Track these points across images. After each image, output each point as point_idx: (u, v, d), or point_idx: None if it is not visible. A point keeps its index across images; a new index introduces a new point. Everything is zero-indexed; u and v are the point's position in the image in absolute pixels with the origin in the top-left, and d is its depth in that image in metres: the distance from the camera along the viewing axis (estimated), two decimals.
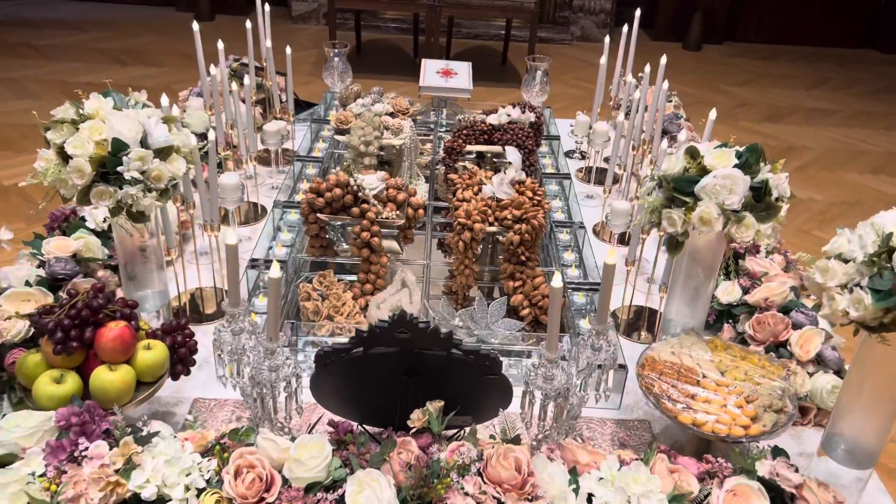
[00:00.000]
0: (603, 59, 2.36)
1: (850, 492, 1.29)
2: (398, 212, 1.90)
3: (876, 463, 1.27)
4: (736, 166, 1.36)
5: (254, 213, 2.27)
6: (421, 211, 1.95)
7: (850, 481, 1.29)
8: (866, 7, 4.63)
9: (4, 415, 1.22)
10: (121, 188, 1.32)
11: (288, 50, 2.46)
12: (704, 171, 1.38)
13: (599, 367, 1.39)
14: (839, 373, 1.61)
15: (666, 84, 2.08)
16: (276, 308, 1.23)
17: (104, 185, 1.33)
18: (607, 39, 2.37)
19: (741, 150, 1.39)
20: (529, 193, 1.92)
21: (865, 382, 1.19)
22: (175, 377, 1.40)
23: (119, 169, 1.32)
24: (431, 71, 2.87)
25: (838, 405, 1.25)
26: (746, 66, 4.33)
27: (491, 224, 1.83)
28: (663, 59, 2.05)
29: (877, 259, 1.04)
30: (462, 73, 2.87)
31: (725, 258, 1.77)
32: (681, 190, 1.38)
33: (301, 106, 2.89)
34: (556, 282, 1.22)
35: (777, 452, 1.30)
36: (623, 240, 2.15)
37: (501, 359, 1.24)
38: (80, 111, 1.37)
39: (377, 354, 1.22)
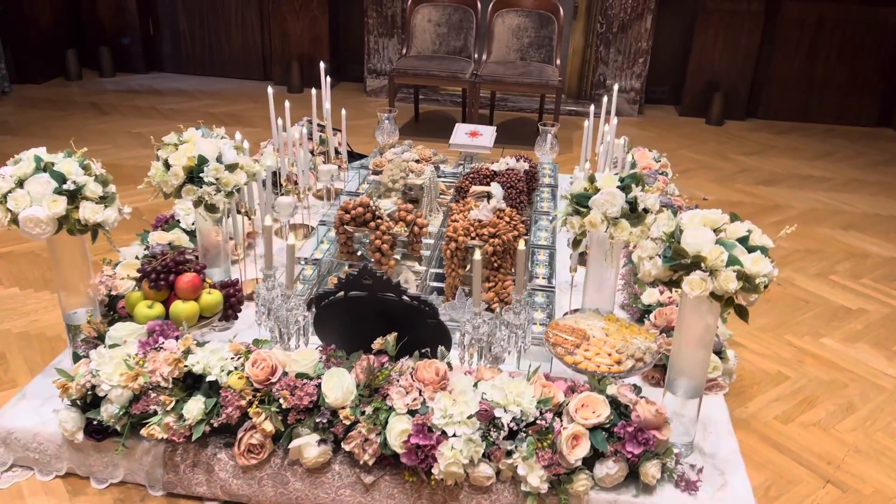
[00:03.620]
0: (587, 123, 2.95)
1: (691, 419, 1.78)
2: (405, 228, 2.52)
3: (701, 396, 1.77)
4: (619, 187, 1.93)
5: (307, 233, 2.94)
6: (425, 229, 2.56)
7: (692, 412, 1.78)
8: (882, 87, 5.04)
9: None
10: (201, 188, 2.01)
11: (343, 112, 3.18)
12: (598, 191, 1.94)
13: (518, 326, 1.95)
14: (719, 353, 2.10)
15: (623, 140, 2.64)
16: (292, 267, 1.86)
17: (191, 185, 2.02)
18: (592, 108, 2.97)
19: (623, 176, 1.95)
20: (507, 218, 2.51)
21: (682, 335, 1.71)
22: (227, 319, 2.05)
23: (201, 175, 2.01)
24: (461, 132, 3.52)
25: (671, 356, 1.76)
26: (759, 139, 4.80)
27: (473, 238, 2.41)
28: (613, 120, 2.62)
29: (665, 237, 1.59)
30: (486, 134, 3.50)
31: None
32: (579, 203, 1.95)
33: (354, 156, 3.60)
34: (477, 255, 1.80)
35: (635, 388, 1.82)
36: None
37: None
38: (180, 138, 2.08)
39: (355, 298, 1.83)
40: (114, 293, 2.09)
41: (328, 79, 3.18)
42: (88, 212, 1.75)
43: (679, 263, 1.56)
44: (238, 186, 2.10)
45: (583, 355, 1.85)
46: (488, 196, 2.81)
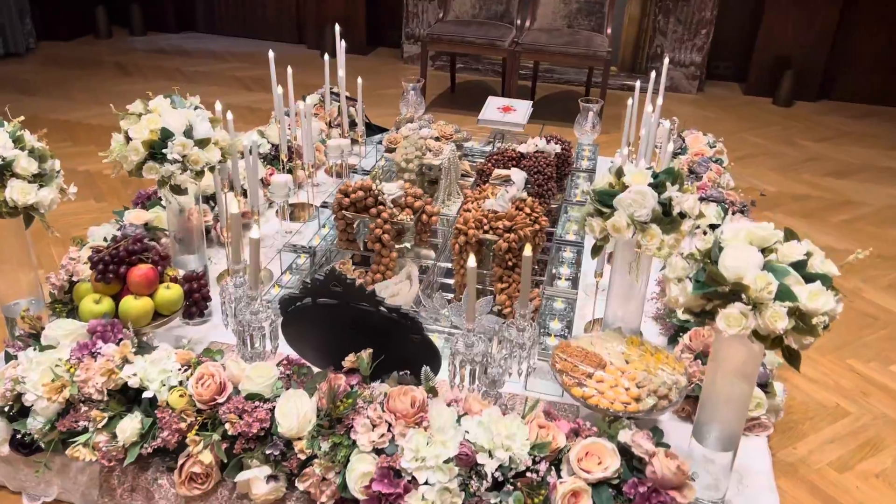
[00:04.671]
0: (630, 101, 2.59)
1: (723, 471, 1.46)
2: (412, 216, 2.22)
3: (737, 445, 1.44)
4: (650, 185, 1.59)
5: (311, 214, 2.67)
6: (434, 218, 2.26)
7: (724, 464, 1.45)
8: None
9: None
10: (163, 166, 1.74)
11: (359, 80, 2.88)
12: (626, 188, 1.61)
13: (521, 346, 1.64)
14: (764, 386, 1.76)
15: (667, 124, 2.28)
16: (257, 264, 1.59)
17: (153, 162, 1.75)
18: (638, 84, 2.60)
19: (659, 171, 1.61)
20: (528, 210, 2.18)
21: (717, 374, 1.38)
22: (190, 317, 1.80)
23: (164, 151, 1.74)
24: (493, 106, 3.18)
25: (701, 397, 1.44)
26: (831, 124, 4.31)
27: (486, 232, 2.10)
28: (659, 100, 2.26)
29: (700, 257, 1.26)
30: (520, 110, 3.15)
31: None
32: (602, 202, 1.62)
33: (374, 129, 3.30)
34: (471, 262, 1.49)
35: (655, 431, 1.50)
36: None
37: None
38: (147, 107, 1.81)
39: (324, 305, 1.55)
40: (75, 279, 1.86)
41: (343, 43, 2.88)
42: (17, 192, 1.50)
43: (714, 291, 1.22)
44: (210, 165, 1.83)
45: (594, 387, 1.53)
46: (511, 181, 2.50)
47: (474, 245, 2.13)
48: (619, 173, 1.64)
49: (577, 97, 4.52)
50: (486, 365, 1.60)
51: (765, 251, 1.25)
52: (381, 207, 2.18)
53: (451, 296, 2.14)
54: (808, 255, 1.23)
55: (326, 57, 2.87)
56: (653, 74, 2.63)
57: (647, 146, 2.22)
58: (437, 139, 2.77)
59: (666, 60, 2.64)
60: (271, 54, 2.56)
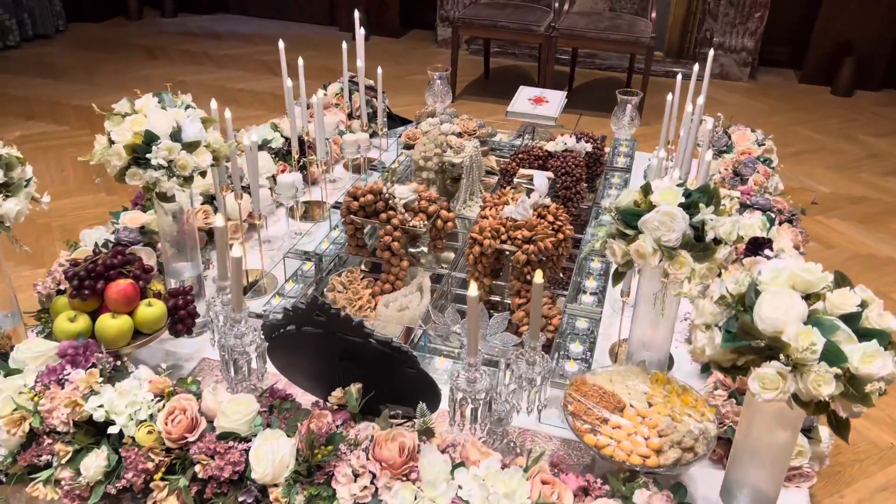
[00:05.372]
0: (670, 97, 2.37)
1: None
2: (426, 222, 2.05)
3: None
4: (681, 205, 1.39)
5: (323, 214, 2.52)
6: (450, 223, 2.09)
7: None
8: None
9: None
10: (146, 171, 1.60)
11: (379, 70, 2.71)
12: (653, 207, 1.42)
13: (531, 381, 1.47)
14: (807, 431, 1.55)
15: (709, 124, 2.06)
16: (239, 284, 1.44)
17: (136, 167, 1.61)
18: (679, 77, 2.37)
19: (692, 189, 1.41)
20: (551, 218, 2.00)
21: (753, 421, 1.19)
22: (176, 335, 1.66)
23: (148, 156, 1.60)
24: (523, 97, 2.98)
25: (732, 453, 1.25)
26: (895, 117, 4.01)
27: (503, 242, 1.93)
28: (701, 98, 2.04)
29: (732, 302, 1.06)
30: (553, 101, 2.95)
31: None
32: (626, 222, 1.43)
33: (396, 120, 3.12)
34: (472, 290, 1.32)
35: (677, 488, 1.32)
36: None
37: None
38: (133, 107, 1.67)
39: (311, 333, 1.40)
40: (63, 287, 1.74)
41: (361, 30, 2.70)
42: None
43: (747, 345, 1.03)
44: (200, 170, 1.69)
45: (609, 435, 1.36)
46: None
47: (490, 256, 1.96)
48: (647, 190, 1.44)
49: (620, 85, 4.28)
50: (490, 402, 1.44)
51: (810, 298, 1.05)
52: (391, 213, 2.02)
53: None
54: (864, 305, 1.03)
55: (345, 44, 2.70)
56: (695, 68, 2.40)
57: (685, 153, 2.00)
58: (459, 135, 2.59)
59: (711, 53, 2.40)
60: (281, 44, 2.41)
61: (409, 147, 2.58)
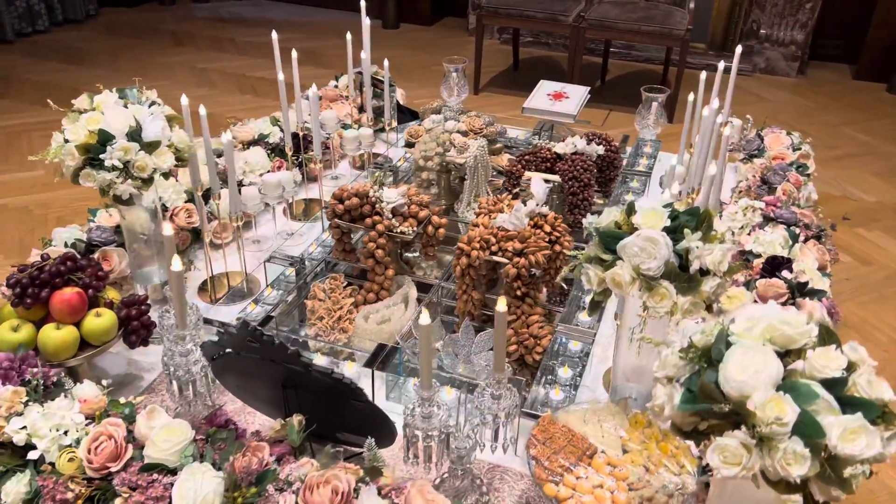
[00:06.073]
0: (691, 97, 2.17)
1: None
2: (415, 228, 1.93)
3: None
4: (666, 229, 1.23)
5: (316, 212, 2.41)
6: (442, 230, 1.97)
7: None
8: None
9: None
10: (99, 173, 1.51)
11: (385, 62, 2.58)
12: (633, 230, 1.26)
13: (495, 417, 1.33)
14: None
15: (727, 129, 1.87)
16: (182, 298, 1.34)
17: (90, 168, 1.52)
18: (703, 74, 2.17)
19: (680, 211, 1.25)
20: (548, 228, 1.85)
21: (726, 487, 1.03)
22: (131, 346, 1.57)
23: (101, 156, 1.51)
24: (542, 92, 2.82)
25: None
26: None
27: (493, 253, 1.79)
28: (714, 102, 1.85)
29: (695, 356, 0.91)
30: (574, 97, 2.78)
31: None
32: (605, 245, 1.28)
33: (407, 114, 2.98)
34: (424, 317, 1.19)
35: None
36: None
37: None
38: (92, 103, 1.58)
39: (251, 358, 1.28)
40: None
41: (367, 20, 2.57)
42: None
43: (709, 409, 0.87)
44: (161, 171, 1.59)
45: (572, 486, 1.21)
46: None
47: (480, 268, 1.82)
48: (630, 210, 1.28)
49: (657, 78, 4.04)
50: (447, 439, 1.30)
51: (789, 355, 0.88)
52: (377, 218, 1.90)
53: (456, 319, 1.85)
54: (851, 368, 0.86)
55: (349, 35, 2.58)
56: (720, 66, 2.19)
57: (699, 159, 1.82)
58: (464, 133, 2.44)
59: (738, 50, 2.19)
60: (274, 35, 2.31)
61: (410, 145, 2.44)
